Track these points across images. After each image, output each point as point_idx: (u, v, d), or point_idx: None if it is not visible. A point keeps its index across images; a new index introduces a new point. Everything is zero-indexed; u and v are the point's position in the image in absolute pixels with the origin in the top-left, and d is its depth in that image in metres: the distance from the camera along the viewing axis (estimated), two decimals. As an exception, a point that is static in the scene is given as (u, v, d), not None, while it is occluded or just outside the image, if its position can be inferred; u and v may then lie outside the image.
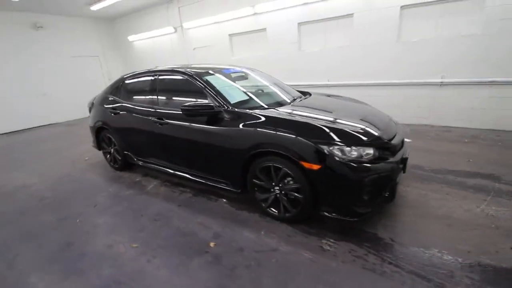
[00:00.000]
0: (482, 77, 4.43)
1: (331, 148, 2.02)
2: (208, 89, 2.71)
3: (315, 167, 2.03)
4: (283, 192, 2.34)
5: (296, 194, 2.24)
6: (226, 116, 2.52)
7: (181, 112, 2.82)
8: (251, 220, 2.52)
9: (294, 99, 3.01)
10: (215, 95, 2.65)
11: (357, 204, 2.05)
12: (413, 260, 1.89)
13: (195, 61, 8.17)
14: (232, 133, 2.45)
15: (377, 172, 2.03)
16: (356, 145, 2.05)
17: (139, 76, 3.51)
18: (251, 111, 2.49)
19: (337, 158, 2.00)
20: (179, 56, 8.56)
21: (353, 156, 2.02)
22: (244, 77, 3.34)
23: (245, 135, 2.37)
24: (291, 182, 2.27)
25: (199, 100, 2.79)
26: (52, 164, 4.65)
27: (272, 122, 2.30)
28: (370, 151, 2.06)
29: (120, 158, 3.83)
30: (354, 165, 1.99)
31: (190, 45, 8.14)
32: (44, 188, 3.62)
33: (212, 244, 2.21)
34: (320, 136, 2.08)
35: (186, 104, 2.59)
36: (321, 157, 2.02)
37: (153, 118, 3.09)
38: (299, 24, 6.06)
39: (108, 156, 4.09)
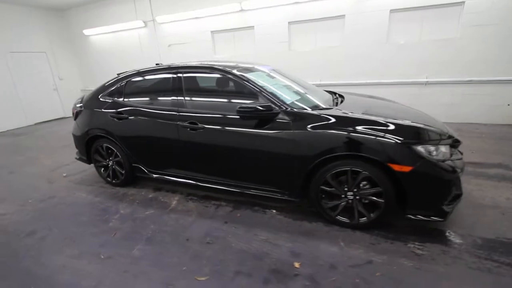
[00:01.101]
0: (460, 76, 4.98)
1: (422, 148, 1.95)
2: (260, 88, 2.40)
3: (407, 168, 1.93)
4: (357, 197, 2.19)
5: (374, 198, 2.12)
6: (286, 118, 2.26)
7: (223, 115, 2.48)
8: (318, 230, 2.31)
9: (335, 99, 2.89)
10: (269, 95, 2.36)
11: (445, 203, 2.02)
12: (506, 251, 1.93)
13: (171, 59, 7.45)
14: (299, 137, 2.20)
15: (460, 169, 2.04)
16: (440, 144, 2.02)
17: (152, 73, 2.97)
18: (315, 111, 2.28)
19: (428, 158, 1.93)
20: (149, 54, 7.71)
21: (440, 155, 1.98)
22: (271, 75, 3.09)
23: (316, 139, 2.15)
24: (367, 186, 2.14)
25: (246, 100, 2.47)
26: (19, 185, 3.67)
27: (348, 122, 2.13)
28: (448, 149, 2.06)
29: (124, 171, 3.20)
30: (444, 164, 1.96)
31: (164, 41, 7.40)
32: (27, 219, 2.79)
33: (297, 265, 1.93)
34: (409, 136, 1.99)
35: (244, 105, 2.25)
36: (413, 158, 1.93)
37: (181, 123, 2.63)
38: (290, 23, 5.99)
39: (103, 170, 3.39)
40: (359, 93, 3.68)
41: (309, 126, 2.18)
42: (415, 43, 5.16)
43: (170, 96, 2.77)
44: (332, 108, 2.40)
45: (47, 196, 3.25)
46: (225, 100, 2.78)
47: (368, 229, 2.24)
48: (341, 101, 2.77)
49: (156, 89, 2.99)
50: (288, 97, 2.44)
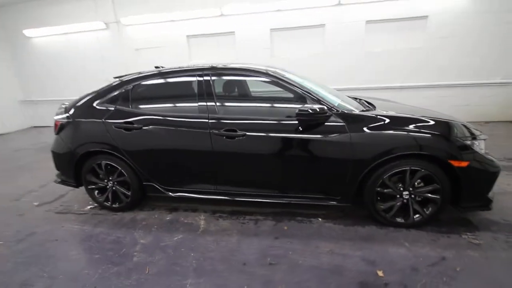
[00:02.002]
0: (431, 81, 5.64)
1: (472, 143, 2.07)
2: (307, 90, 2.27)
3: (464, 164, 2.02)
4: (412, 196, 2.20)
5: (430, 195, 2.16)
6: (340, 120, 2.16)
7: (267, 121, 2.29)
8: (376, 234, 2.25)
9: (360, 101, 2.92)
10: (318, 97, 2.24)
11: (489, 193, 2.16)
12: (542, 233, 2.15)
13: (139, 65, 6.74)
14: (356, 139, 2.12)
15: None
16: (479, 139, 2.17)
17: (167, 76, 2.58)
18: (368, 112, 2.24)
19: (480, 153, 2.06)
20: (112, 59, 6.89)
21: (482, 148, 2.13)
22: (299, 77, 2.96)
23: (375, 140, 2.10)
24: (422, 184, 2.18)
25: (291, 105, 2.32)
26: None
27: (402, 122, 2.14)
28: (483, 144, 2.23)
29: (130, 192, 2.67)
30: (488, 157, 2.10)
31: (131, 45, 6.69)
32: (9, 268, 2.07)
33: (380, 273, 1.82)
34: (460, 133, 2.09)
35: (302, 108, 2.07)
36: (469, 153, 2.03)
37: (215, 131, 2.32)
38: (272, 30, 6.02)
39: (98, 193, 2.79)
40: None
41: (366, 127, 2.13)
42: (389, 51, 5.67)
43: (196, 102, 2.43)
44: (374, 110, 2.40)
45: (24, 234, 2.51)
46: (267, 105, 2.56)
47: (421, 227, 2.27)
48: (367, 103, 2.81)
49: (175, 94, 2.60)
50: (333, 99, 2.36)
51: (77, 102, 2.77)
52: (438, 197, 2.14)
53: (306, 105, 2.12)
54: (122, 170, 2.62)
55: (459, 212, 2.23)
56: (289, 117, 2.27)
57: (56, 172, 2.92)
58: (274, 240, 2.24)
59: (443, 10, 5.27)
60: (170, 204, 2.91)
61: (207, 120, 2.35)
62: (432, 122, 2.13)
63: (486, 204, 2.14)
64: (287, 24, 5.91)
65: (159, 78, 2.59)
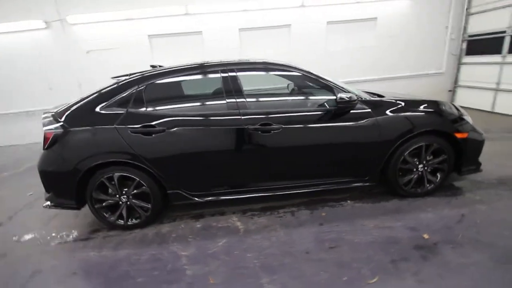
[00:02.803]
0: (383, 74, 6.48)
1: (468, 118, 2.51)
2: (334, 83, 2.41)
3: (464, 135, 2.44)
4: (425, 168, 2.55)
5: (439, 165, 2.54)
6: (365, 106, 2.37)
7: (299, 113, 2.36)
8: (401, 206, 2.52)
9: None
10: (343, 88, 2.40)
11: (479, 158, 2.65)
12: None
13: (91, 68, 5.94)
14: (382, 122, 2.35)
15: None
16: (465, 114, 2.65)
17: (187, 73, 2.40)
18: (385, 98, 2.50)
19: (473, 125, 2.52)
20: (55, 62, 5.89)
21: (470, 121, 2.61)
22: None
23: (398, 122, 2.38)
24: (431, 157, 2.54)
25: (318, 96, 2.44)
26: None
27: (415, 104, 2.47)
28: None
29: (151, 205, 2.39)
30: (477, 127, 2.59)
31: (79, 47, 5.84)
32: None
33: (426, 236, 2.07)
34: (454, 110, 2.51)
35: (342, 98, 2.19)
36: (466, 126, 2.46)
37: (250, 127, 2.26)
38: (240, 30, 6.04)
39: (106, 212, 2.41)
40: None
41: (388, 111, 2.38)
42: (348, 50, 6.31)
43: (224, 98, 2.32)
44: (384, 96, 2.69)
45: (25, 276, 2.00)
46: (294, 97, 2.60)
47: (433, 194, 2.65)
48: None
49: (197, 92, 2.43)
50: (352, 89, 2.55)
51: (69, 109, 2.34)
52: (445, 166, 2.53)
53: (341, 95, 2.25)
54: (141, 181, 2.32)
55: (459, 176, 2.68)
56: (320, 106, 2.38)
57: (46, 195, 2.41)
58: (320, 226, 2.32)
59: (389, 13, 6.13)
60: (191, 212, 2.71)
61: (240, 117, 2.28)
62: (437, 103, 2.51)
63: (478, 167, 2.63)
64: (255, 24, 6.02)
65: (176, 76, 2.39)
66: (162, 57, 6.09)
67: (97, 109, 2.29)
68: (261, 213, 2.59)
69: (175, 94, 2.48)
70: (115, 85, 2.36)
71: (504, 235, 2.01)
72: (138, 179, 2.32)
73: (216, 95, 2.38)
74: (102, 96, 2.34)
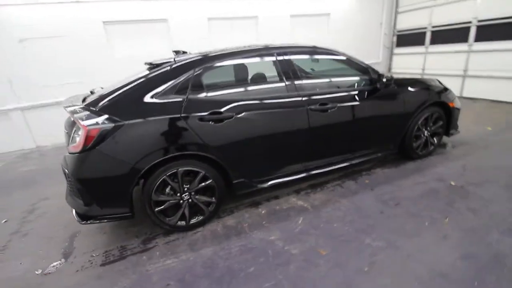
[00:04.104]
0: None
1: (449, 89, 3.20)
2: (368, 66, 2.71)
3: (452, 104, 3.13)
4: (429, 133, 3.14)
5: (436, 130, 3.17)
6: (394, 85, 2.76)
7: (350, 92, 2.62)
8: (417, 166, 3.05)
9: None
10: (375, 70, 2.73)
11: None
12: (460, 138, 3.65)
13: (25, 61, 4.72)
14: (406, 97, 2.80)
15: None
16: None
17: (243, 55, 2.30)
18: (403, 77, 2.96)
19: (453, 95, 3.22)
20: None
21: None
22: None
23: (416, 95, 2.87)
24: (432, 124, 3.15)
25: (355, 77, 2.71)
26: None
27: (424, 82, 3.01)
28: None
29: (215, 198, 2.23)
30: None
31: (9, 34, 4.55)
32: None
33: (453, 183, 2.62)
34: (441, 84, 3.17)
35: (387, 77, 2.50)
36: (452, 97, 3.14)
37: (313, 107, 2.36)
38: (209, 19, 5.81)
39: (164, 214, 2.14)
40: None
41: (409, 88, 2.85)
42: (309, 41, 6.83)
43: (282, 81, 2.34)
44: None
45: (99, 303, 1.63)
46: (338, 79, 2.76)
47: (432, 154, 3.29)
48: None
49: (247, 75, 2.36)
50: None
51: (109, 100, 1.95)
52: (441, 130, 3.19)
53: (385, 75, 2.58)
54: (206, 174, 2.14)
55: (448, 137, 3.39)
56: (362, 85, 2.66)
57: (84, 208, 1.95)
58: (372, 191, 2.63)
59: (339, 10, 6.93)
60: (243, 201, 2.63)
61: (300, 98, 2.35)
62: (436, 80, 3.12)
63: (457, 129, 3.39)
64: (224, 14, 5.89)
65: (234, 58, 2.26)
66: (122, 46, 5.35)
67: (149, 97, 1.99)
68: (312, 190, 2.73)
69: (233, 77, 2.35)
70: (165, 69, 2.08)
71: (499, 172, 2.73)
72: (203, 172, 2.13)
73: (274, 77, 2.37)
74: (153, 83, 2.03)
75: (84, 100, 2.15)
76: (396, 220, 2.17)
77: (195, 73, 2.11)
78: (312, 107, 2.37)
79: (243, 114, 2.15)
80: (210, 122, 2.06)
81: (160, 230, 2.28)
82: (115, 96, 1.97)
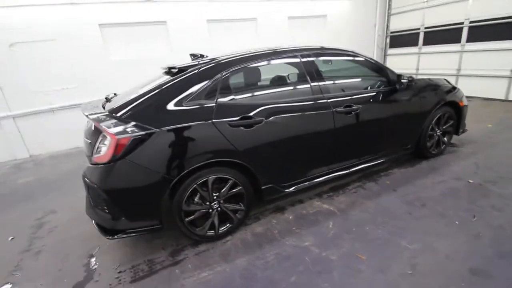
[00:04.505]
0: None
1: (457, 88, 3.28)
2: (384, 66, 2.73)
3: (462, 104, 3.21)
4: (440, 132, 3.20)
5: (447, 129, 3.24)
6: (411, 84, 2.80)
7: (368, 94, 2.65)
8: (431, 165, 3.10)
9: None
10: (390, 70, 2.76)
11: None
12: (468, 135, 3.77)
13: (19, 68, 4.45)
14: (422, 95, 2.85)
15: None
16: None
17: (268, 58, 2.27)
18: (417, 78, 3.01)
19: (462, 93, 3.30)
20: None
21: None
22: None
23: (431, 95, 2.93)
24: (444, 123, 3.21)
25: (374, 77, 2.72)
26: None
27: (436, 83, 3.06)
28: None
29: (244, 205, 2.17)
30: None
31: (-2, 37, 4.28)
32: None
33: (471, 181, 2.68)
34: (450, 84, 3.24)
35: (409, 78, 2.54)
36: (459, 95, 3.21)
37: (339, 109, 2.35)
38: (208, 21, 5.72)
39: (192, 224, 2.05)
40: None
41: (424, 88, 2.89)
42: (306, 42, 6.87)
43: (307, 83, 2.31)
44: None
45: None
46: (357, 80, 2.76)
47: (443, 153, 3.35)
48: None
49: (274, 78, 2.33)
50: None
51: (135, 106, 1.85)
52: (452, 129, 3.26)
53: (405, 75, 2.60)
54: (236, 181, 2.08)
55: (457, 136, 3.46)
56: (383, 86, 2.68)
57: (112, 221, 1.84)
58: (395, 192, 2.64)
59: (335, 12, 7.01)
60: (266, 207, 2.57)
61: (326, 100, 2.33)
62: (445, 80, 3.18)
63: (465, 127, 3.48)
64: (223, 16, 5.81)
65: (259, 61, 2.21)
66: (118, 49, 5.17)
67: (178, 103, 1.90)
68: (335, 193, 2.71)
69: (258, 80, 2.29)
70: (193, 73, 2.00)
71: (510, 169, 2.82)
72: (233, 179, 2.06)
73: (299, 80, 2.33)
74: (180, 87, 1.95)
75: (103, 107, 2.04)
76: (426, 221, 2.19)
77: (223, 77, 2.04)
78: (338, 109, 2.35)
79: (272, 118, 2.10)
80: (241, 128, 2.00)
81: (186, 241, 2.19)
82: (141, 103, 1.88)
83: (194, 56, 2.61)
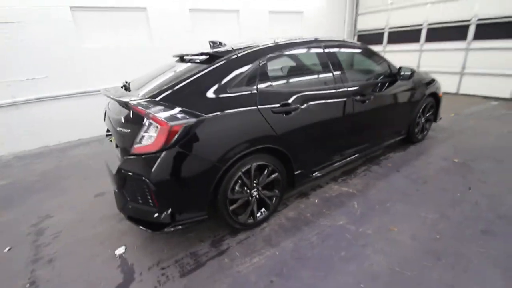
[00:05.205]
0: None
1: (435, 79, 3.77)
2: (384, 58, 3.00)
3: (440, 94, 3.69)
4: (424, 120, 3.63)
5: (428, 117, 3.70)
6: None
7: (377, 84, 2.89)
8: (418, 149, 3.52)
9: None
10: (389, 62, 3.05)
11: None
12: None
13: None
14: (416, 85, 3.21)
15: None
16: None
17: (297, 47, 2.36)
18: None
19: (439, 84, 3.79)
20: None
21: None
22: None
23: (422, 86, 3.31)
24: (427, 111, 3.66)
25: (379, 69, 2.97)
26: None
27: (424, 75, 3.46)
28: None
29: (280, 191, 2.23)
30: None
31: None
32: None
33: (456, 160, 3.13)
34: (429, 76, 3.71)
35: (412, 70, 2.81)
36: (437, 86, 3.68)
37: (357, 97, 2.53)
38: (191, 10, 5.48)
39: (234, 212, 2.04)
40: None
41: (416, 79, 3.26)
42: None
43: (330, 72, 2.45)
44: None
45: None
46: (365, 70, 2.95)
47: (423, 139, 3.81)
48: None
49: (303, 66, 2.39)
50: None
51: (170, 92, 1.77)
52: (432, 117, 3.74)
53: (404, 67, 2.89)
54: (275, 167, 2.12)
55: (436, 123, 3.97)
56: (387, 77, 2.95)
57: (159, 215, 1.73)
58: (398, 172, 2.95)
59: (310, 9, 7.30)
60: (289, 193, 2.66)
61: (346, 89, 2.50)
62: (428, 74, 3.62)
63: (440, 115, 4.01)
64: (205, 6, 5.63)
65: (291, 49, 2.28)
66: (94, 35, 4.67)
67: (221, 89, 1.86)
68: (348, 177, 2.92)
69: (291, 68, 2.34)
70: (233, 59, 1.97)
71: (481, 149, 3.35)
72: (272, 165, 2.10)
73: (324, 69, 2.44)
74: (221, 73, 1.90)
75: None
76: (433, 195, 2.51)
77: (261, 64, 2.05)
78: (357, 97, 2.54)
79: (305, 105, 2.19)
80: (281, 114, 2.04)
81: (222, 231, 2.17)
82: (182, 88, 1.80)
83: (213, 43, 2.55)
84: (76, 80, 4.62)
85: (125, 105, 1.75)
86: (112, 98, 1.91)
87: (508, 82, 5.50)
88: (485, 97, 5.92)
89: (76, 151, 4.34)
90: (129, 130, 1.75)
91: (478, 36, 5.78)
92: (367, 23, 8.06)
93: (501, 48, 5.48)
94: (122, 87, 2.27)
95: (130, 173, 1.71)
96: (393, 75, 2.99)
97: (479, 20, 5.71)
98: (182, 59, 2.47)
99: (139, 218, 1.83)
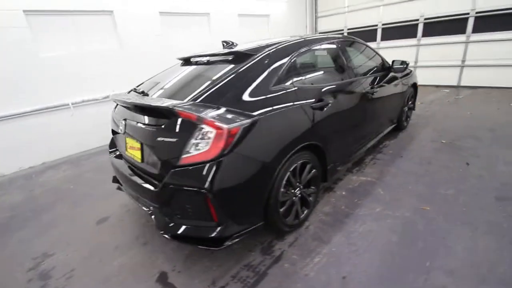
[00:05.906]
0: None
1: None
2: (379, 54, 3.23)
3: (417, 85, 4.10)
4: (407, 107, 3.99)
5: (409, 105, 4.08)
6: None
7: (379, 77, 3.08)
8: (407, 134, 3.85)
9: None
10: (383, 58, 3.28)
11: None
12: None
13: None
14: (403, 80, 3.49)
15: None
16: None
17: (318, 43, 2.39)
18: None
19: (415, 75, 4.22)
20: None
21: None
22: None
23: (407, 78, 3.62)
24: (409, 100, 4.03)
25: (377, 63, 3.17)
26: None
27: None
28: None
29: (317, 188, 2.22)
30: None
31: None
32: None
33: (444, 141, 3.49)
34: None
35: (406, 62, 3.04)
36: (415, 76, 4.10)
37: (371, 90, 2.67)
38: (161, 13, 5.16)
39: (284, 212, 1.96)
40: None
41: (402, 72, 3.55)
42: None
43: (345, 66, 2.54)
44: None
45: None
46: (367, 64, 3.07)
47: (407, 126, 4.19)
48: None
49: (327, 61, 2.42)
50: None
51: (210, 92, 1.64)
52: (413, 105, 4.13)
53: (397, 60, 3.14)
54: (313, 164, 2.09)
55: (414, 110, 4.38)
56: (384, 70, 3.15)
57: (218, 228, 1.56)
58: (402, 157, 3.18)
59: (276, 12, 7.49)
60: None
61: (362, 82, 2.63)
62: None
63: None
64: (176, 9, 5.36)
65: (316, 45, 2.31)
66: (51, 44, 4.07)
67: (263, 87, 1.77)
68: (360, 167, 3.04)
69: (317, 64, 2.34)
70: (266, 55, 1.89)
71: (456, 130, 3.80)
72: (311, 163, 2.07)
73: (341, 64, 2.50)
74: (257, 71, 1.81)
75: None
76: (440, 173, 2.76)
77: (292, 60, 2.01)
78: (368, 89, 2.67)
79: (334, 100, 2.22)
80: (317, 110, 2.03)
81: (266, 237, 2.06)
82: (223, 88, 1.67)
83: (226, 43, 2.44)
84: (33, 95, 3.96)
85: (168, 111, 1.54)
86: (142, 105, 1.67)
87: (454, 71, 6.38)
88: (437, 86, 6.78)
89: (45, 177, 3.72)
90: (173, 139, 1.55)
91: (426, 34, 6.62)
92: (326, 25, 8.59)
93: (445, 43, 6.36)
94: (140, 93, 2.01)
95: (184, 187, 1.51)
96: (388, 68, 3.22)
97: (426, 19, 6.53)
98: (188, 61, 2.34)
99: (190, 236, 1.63)
